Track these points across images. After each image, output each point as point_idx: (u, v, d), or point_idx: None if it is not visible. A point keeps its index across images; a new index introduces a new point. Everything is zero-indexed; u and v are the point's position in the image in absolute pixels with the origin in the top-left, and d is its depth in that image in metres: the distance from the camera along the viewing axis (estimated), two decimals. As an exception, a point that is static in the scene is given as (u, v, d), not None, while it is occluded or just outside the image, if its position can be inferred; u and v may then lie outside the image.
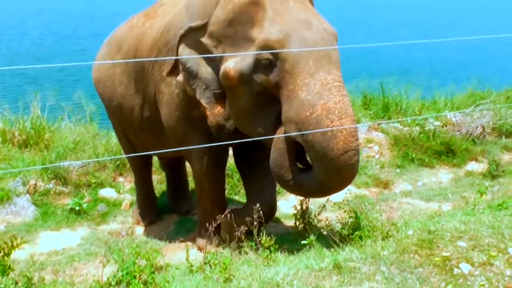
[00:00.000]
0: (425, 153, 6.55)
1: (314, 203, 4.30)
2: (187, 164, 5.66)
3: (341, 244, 3.00)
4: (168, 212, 5.25)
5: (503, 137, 7.05)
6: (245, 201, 5.40)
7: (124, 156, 4.99)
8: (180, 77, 3.43)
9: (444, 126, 7.26)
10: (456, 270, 2.35)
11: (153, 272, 2.58)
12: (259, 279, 2.39)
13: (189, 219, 5.11)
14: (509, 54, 17.08)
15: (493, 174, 5.68)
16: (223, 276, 2.53)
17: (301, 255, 3.03)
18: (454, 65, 14.82)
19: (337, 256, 2.50)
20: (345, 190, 5.38)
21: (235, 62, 3.09)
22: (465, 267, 2.36)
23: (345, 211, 3.45)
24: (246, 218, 3.21)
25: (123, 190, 5.63)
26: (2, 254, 2.46)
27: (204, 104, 3.35)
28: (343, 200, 4.01)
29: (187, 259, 3.16)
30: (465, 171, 6.21)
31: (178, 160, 5.20)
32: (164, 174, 5.64)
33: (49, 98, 8.07)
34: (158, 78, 3.77)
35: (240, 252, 3.38)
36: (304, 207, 3.91)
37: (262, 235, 3.17)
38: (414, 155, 6.44)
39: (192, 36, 3.30)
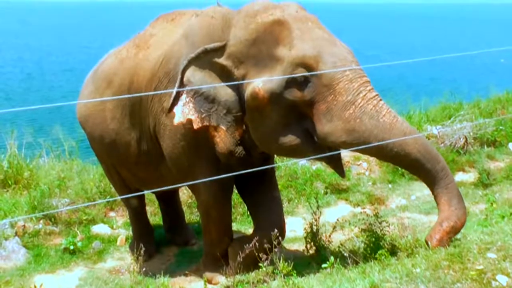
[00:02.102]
0: (414, 166, 6.62)
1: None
2: (181, 193, 5.59)
3: (363, 264, 2.96)
4: (166, 244, 5.08)
5: (485, 147, 7.24)
6: (240, 227, 5.36)
7: (119, 197, 4.86)
8: (179, 107, 3.33)
9: (428, 139, 7.39)
10: (494, 283, 2.34)
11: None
12: (298, 308, 2.31)
13: (189, 250, 4.97)
14: (476, 68, 17.82)
15: (484, 183, 5.80)
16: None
17: (325, 279, 2.96)
18: (426, 80, 15.35)
19: (372, 277, 2.45)
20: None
21: (264, 81, 3.06)
22: (502, 279, 2.35)
23: (361, 230, 3.41)
24: (265, 245, 3.12)
25: (116, 225, 5.43)
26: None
27: (223, 129, 3.29)
28: (337, 220, 4.03)
29: (206, 292, 3.05)
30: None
31: (173, 191, 5.08)
32: (157, 205, 5.49)
33: (26, 136, 7.85)
34: (159, 110, 3.67)
35: (258, 281, 3.29)
36: (314, 229, 3.85)
37: (279, 261, 3.09)
38: (404, 170, 6.50)
39: (205, 58, 3.25)
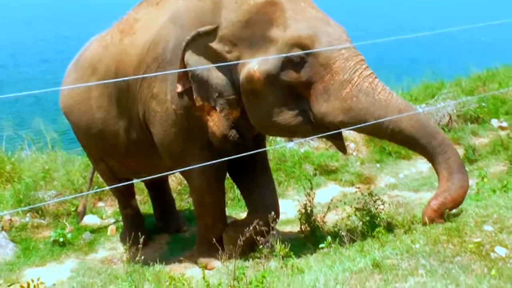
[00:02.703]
0: (401, 145, 6.68)
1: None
2: (170, 180, 5.52)
3: (360, 243, 2.97)
4: (158, 232, 5.03)
5: (469, 123, 7.34)
6: (231, 212, 5.33)
7: (108, 187, 4.78)
8: (181, 88, 3.32)
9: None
10: (493, 254, 2.36)
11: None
12: (301, 289, 2.31)
13: (181, 237, 4.93)
14: (456, 47, 17.93)
15: (470, 159, 5.88)
16: (260, 291, 2.41)
17: (323, 258, 2.96)
18: (408, 60, 15.41)
19: (372, 255, 2.45)
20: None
21: (259, 63, 3.01)
22: (500, 250, 2.37)
23: (356, 209, 3.41)
24: (263, 228, 3.09)
25: (105, 215, 5.37)
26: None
27: (217, 112, 3.25)
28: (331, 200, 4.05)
29: (203, 278, 3.01)
30: (441, 159, 6.38)
31: (162, 178, 5.01)
32: (146, 193, 5.43)
33: (6, 129, 7.68)
34: (148, 96, 3.58)
35: (256, 264, 3.28)
36: (308, 210, 3.84)
37: (276, 243, 3.08)
38: (390, 149, 6.55)
39: (199, 41, 3.19)
